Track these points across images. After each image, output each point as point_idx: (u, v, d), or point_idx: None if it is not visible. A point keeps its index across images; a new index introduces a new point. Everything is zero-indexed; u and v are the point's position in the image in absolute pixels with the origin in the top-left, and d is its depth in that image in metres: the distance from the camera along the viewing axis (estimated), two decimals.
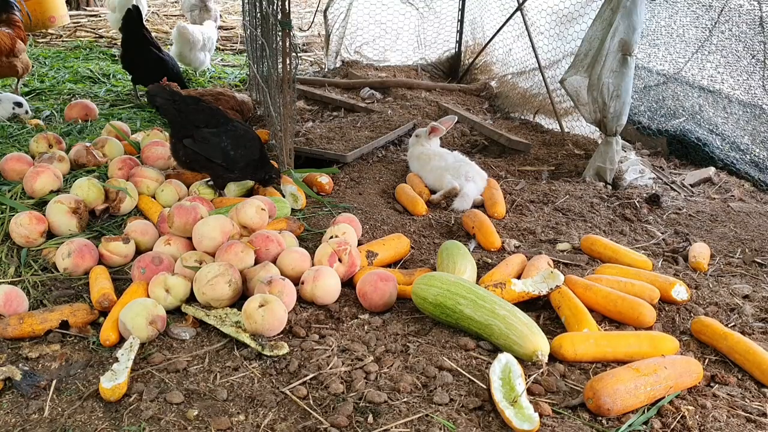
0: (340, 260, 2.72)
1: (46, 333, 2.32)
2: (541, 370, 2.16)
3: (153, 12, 9.80)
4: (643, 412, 1.97)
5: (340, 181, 3.97)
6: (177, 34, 6.32)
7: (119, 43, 5.57)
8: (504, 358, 2.09)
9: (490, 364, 2.11)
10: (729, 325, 2.47)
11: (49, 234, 2.99)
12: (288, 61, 3.53)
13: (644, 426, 1.92)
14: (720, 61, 4.77)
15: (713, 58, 4.80)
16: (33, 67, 6.64)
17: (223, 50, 8.20)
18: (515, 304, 2.38)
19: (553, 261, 2.96)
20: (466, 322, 2.33)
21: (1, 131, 4.36)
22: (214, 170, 3.37)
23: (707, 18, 4.78)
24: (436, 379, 2.09)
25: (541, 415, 1.92)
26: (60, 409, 1.95)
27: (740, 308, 2.60)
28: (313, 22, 8.65)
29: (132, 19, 5.20)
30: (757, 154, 4.43)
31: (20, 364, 2.14)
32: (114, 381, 1.98)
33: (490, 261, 3.00)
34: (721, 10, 4.66)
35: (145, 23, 5.43)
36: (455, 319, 2.36)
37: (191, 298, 2.56)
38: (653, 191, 3.92)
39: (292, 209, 3.45)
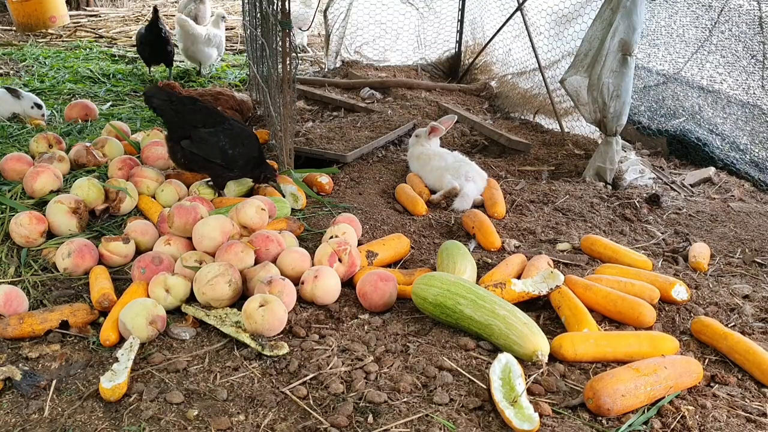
0: (340, 260, 2.72)
1: (46, 333, 2.32)
2: (541, 370, 2.16)
3: None
4: (643, 412, 1.97)
5: (340, 181, 3.97)
6: (178, 27, 6.54)
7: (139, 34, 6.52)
8: (504, 358, 2.09)
9: (490, 364, 2.11)
10: (729, 325, 2.47)
11: (49, 234, 2.99)
12: (288, 61, 3.53)
13: (644, 426, 1.92)
14: (719, 61, 4.78)
15: (713, 58, 4.81)
16: (33, 67, 6.65)
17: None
18: (515, 304, 2.38)
19: (553, 261, 2.96)
20: (466, 322, 2.33)
21: (1, 131, 4.36)
22: (213, 170, 3.37)
23: (707, 18, 4.78)
24: (436, 379, 2.09)
25: (541, 415, 1.92)
26: (60, 409, 1.95)
27: (740, 308, 2.60)
28: (312, 22, 8.65)
29: (155, 16, 6.36)
30: (756, 154, 4.43)
31: (20, 364, 2.14)
32: (114, 381, 1.98)
33: (490, 261, 3.00)
34: (721, 10, 4.66)
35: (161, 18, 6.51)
36: (455, 319, 2.36)
37: (191, 298, 2.56)
38: (653, 191, 3.92)
39: (292, 209, 3.45)
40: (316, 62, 7.63)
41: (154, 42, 6.29)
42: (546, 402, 2.00)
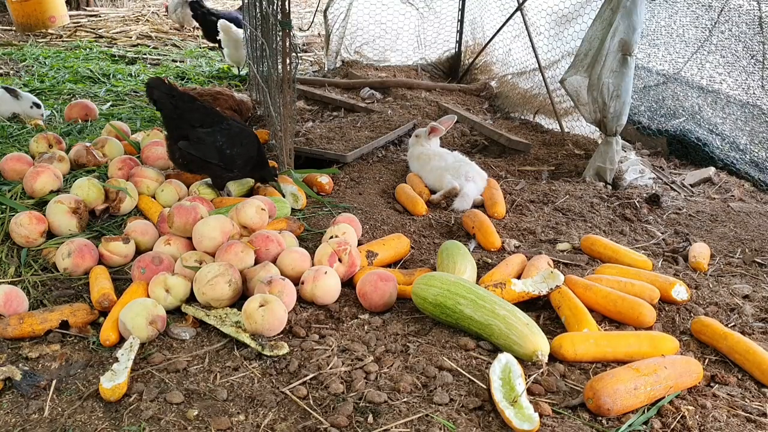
0: (340, 260, 2.72)
1: (46, 333, 2.32)
2: (541, 370, 2.16)
3: (153, 12, 9.80)
4: (643, 412, 1.97)
5: (340, 181, 3.97)
6: (222, 33, 6.68)
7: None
8: (504, 358, 2.09)
9: (490, 364, 2.11)
10: (729, 325, 2.47)
11: (49, 234, 2.99)
12: (288, 61, 3.53)
13: (644, 426, 1.92)
14: (719, 61, 4.78)
15: (713, 58, 4.81)
16: (33, 67, 6.65)
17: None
18: (515, 304, 2.38)
19: (553, 261, 2.96)
20: (466, 322, 2.33)
21: (1, 131, 4.36)
22: (212, 171, 3.37)
23: (707, 18, 4.78)
24: (436, 379, 2.09)
25: (541, 415, 1.92)
26: (60, 409, 1.95)
27: (740, 308, 2.60)
28: (312, 22, 8.66)
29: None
30: (756, 154, 4.43)
31: (20, 364, 2.14)
32: (114, 381, 1.98)
33: (490, 261, 3.00)
34: (721, 10, 4.66)
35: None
36: (455, 319, 2.36)
37: (191, 298, 2.56)
38: (653, 191, 3.92)
39: (292, 209, 3.45)
40: (316, 62, 7.63)
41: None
42: (546, 402, 2.00)
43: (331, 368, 2.14)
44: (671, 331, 2.47)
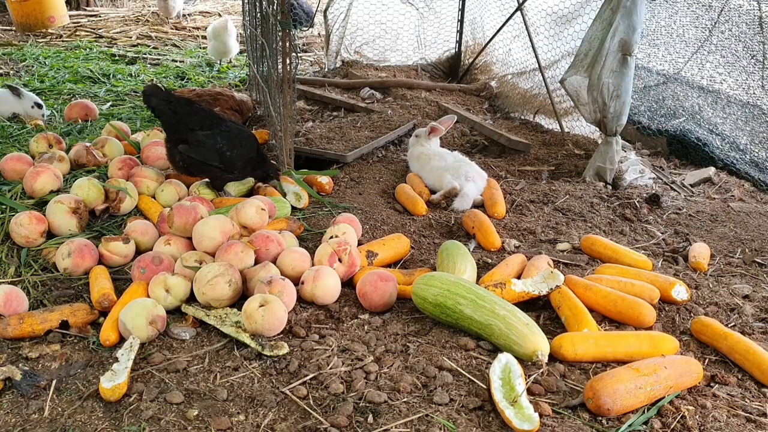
0: (340, 260, 2.72)
1: (46, 333, 2.32)
2: (541, 370, 2.16)
3: (153, 12, 9.80)
4: (643, 412, 1.97)
5: (340, 181, 3.97)
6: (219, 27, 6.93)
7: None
8: (504, 358, 2.09)
9: (490, 364, 2.11)
10: (729, 325, 2.47)
11: (49, 234, 2.99)
12: (288, 61, 3.53)
13: (644, 426, 1.92)
14: (719, 61, 4.78)
15: (713, 58, 4.80)
16: (33, 67, 6.65)
17: None
18: (515, 304, 2.38)
19: (553, 261, 2.96)
20: (466, 322, 2.33)
21: (1, 131, 4.36)
22: (212, 173, 3.37)
23: (707, 18, 4.78)
24: (436, 379, 2.09)
25: (541, 415, 1.92)
26: (60, 409, 1.95)
27: (740, 308, 2.60)
28: (312, 22, 8.65)
29: None
30: (756, 154, 4.43)
31: (20, 364, 2.14)
32: (114, 381, 1.98)
33: (490, 261, 3.00)
34: (721, 10, 4.66)
35: None
36: (455, 319, 2.36)
37: (191, 298, 2.56)
38: (653, 191, 3.92)
39: (294, 208, 3.45)
40: (316, 62, 7.63)
41: None
42: (546, 402, 2.00)
43: (331, 368, 2.14)
44: (671, 331, 2.47)
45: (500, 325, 2.23)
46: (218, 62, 7.31)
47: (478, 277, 2.77)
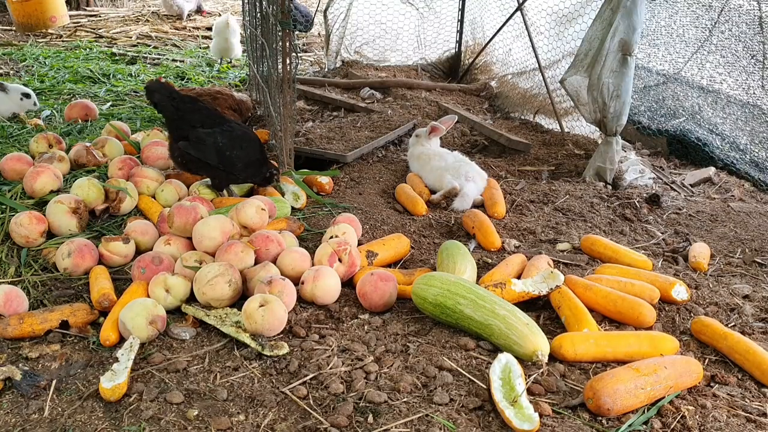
0: (340, 260, 2.72)
1: (46, 333, 2.32)
2: (541, 370, 2.16)
3: (153, 12, 9.80)
4: (643, 412, 1.97)
5: (340, 181, 3.97)
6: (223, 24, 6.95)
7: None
8: (504, 358, 2.09)
9: (490, 364, 2.11)
10: (729, 325, 2.47)
11: (49, 234, 2.99)
12: (288, 61, 3.53)
13: (644, 426, 1.92)
14: (719, 61, 4.78)
15: (713, 58, 4.80)
16: (33, 67, 6.65)
17: None
18: (515, 304, 2.38)
19: (553, 261, 2.96)
20: (466, 322, 2.33)
21: (1, 131, 4.36)
22: (211, 172, 3.37)
23: (707, 18, 4.78)
24: (436, 379, 2.09)
25: (541, 415, 1.92)
26: (60, 409, 1.95)
27: (740, 308, 2.60)
28: (312, 22, 8.65)
29: None
30: (756, 154, 4.43)
31: (20, 364, 2.14)
32: (114, 381, 1.98)
33: (490, 261, 3.00)
34: (721, 10, 4.66)
35: None
36: (455, 319, 2.36)
37: (191, 298, 2.56)
38: (653, 191, 3.92)
39: (293, 208, 3.45)
40: (316, 62, 7.64)
41: None
42: (546, 402, 2.00)
43: (331, 368, 2.14)
44: (671, 331, 2.47)
45: (500, 325, 2.23)
46: (219, 61, 7.32)
47: (478, 277, 2.77)
